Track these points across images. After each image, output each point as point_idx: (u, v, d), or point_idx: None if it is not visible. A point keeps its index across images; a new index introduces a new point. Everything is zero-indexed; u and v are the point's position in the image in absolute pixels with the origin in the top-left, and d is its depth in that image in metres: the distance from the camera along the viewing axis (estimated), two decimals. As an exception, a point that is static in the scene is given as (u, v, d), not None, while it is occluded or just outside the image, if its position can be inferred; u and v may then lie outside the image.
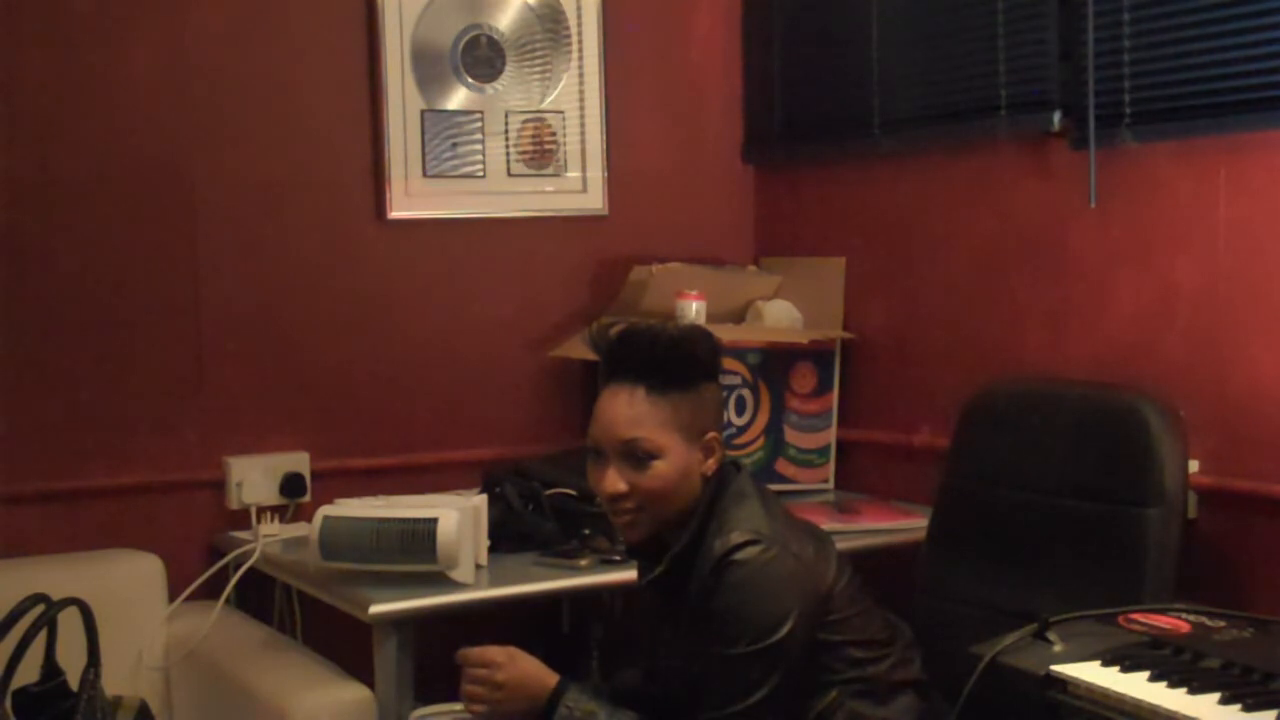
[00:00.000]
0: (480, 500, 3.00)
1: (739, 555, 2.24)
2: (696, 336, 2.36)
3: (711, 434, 2.33)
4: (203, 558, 3.34)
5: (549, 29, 3.75)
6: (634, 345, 2.32)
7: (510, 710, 2.32)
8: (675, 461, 2.29)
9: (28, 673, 2.61)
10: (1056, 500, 2.71)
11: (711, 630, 2.25)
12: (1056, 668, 2.00)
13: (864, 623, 2.35)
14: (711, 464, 2.33)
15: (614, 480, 2.29)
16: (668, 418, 2.28)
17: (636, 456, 2.28)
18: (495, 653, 2.33)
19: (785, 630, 2.22)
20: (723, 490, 2.34)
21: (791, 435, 3.61)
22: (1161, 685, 1.92)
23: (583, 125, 3.79)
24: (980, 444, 2.87)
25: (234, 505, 3.39)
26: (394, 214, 3.59)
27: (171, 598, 3.21)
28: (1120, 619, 2.19)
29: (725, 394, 3.50)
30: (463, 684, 2.35)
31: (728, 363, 3.49)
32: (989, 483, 2.81)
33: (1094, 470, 2.66)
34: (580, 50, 3.78)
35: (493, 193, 3.71)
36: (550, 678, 2.31)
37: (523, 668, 2.32)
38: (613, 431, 2.29)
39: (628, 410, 2.29)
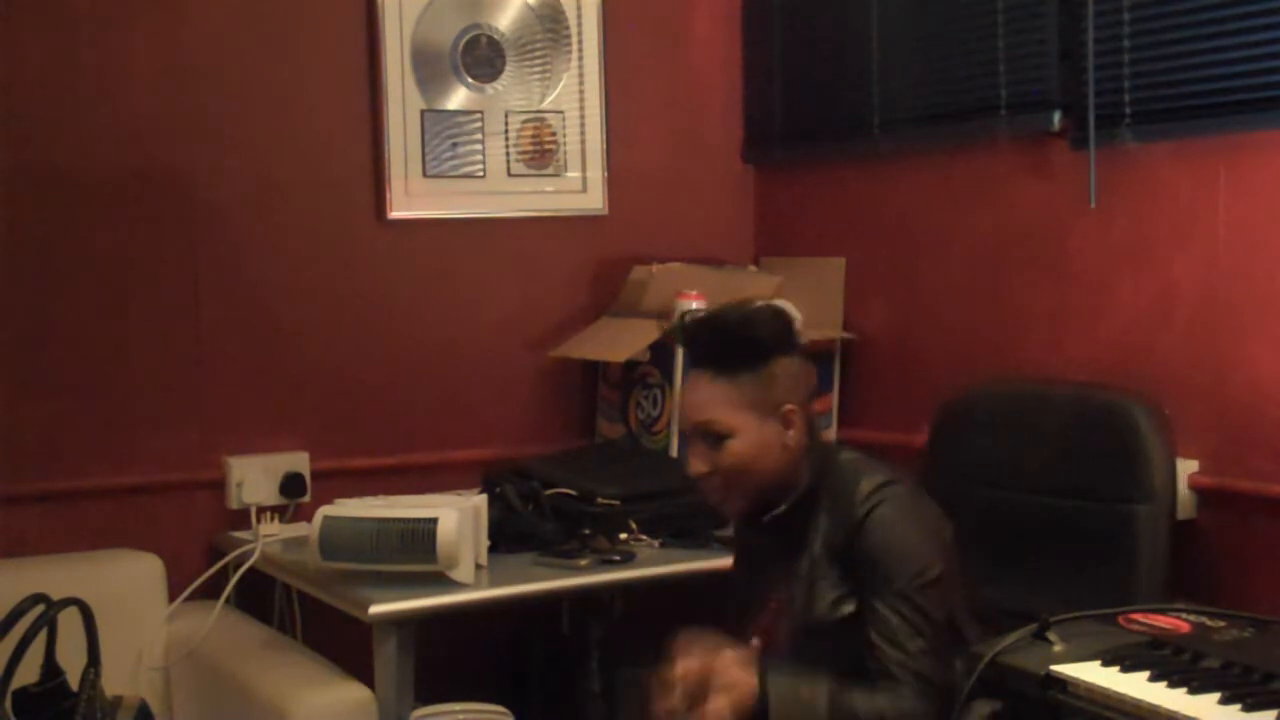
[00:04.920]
0: (480, 500, 3.00)
1: (888, 491, 2.31)
2: (759, 318, 2.43)
3: (788, 406, 2.39)
4: (203, 558, 3.34)
5: (549, 29, 3.75)
6: (699, 333, 2.47)
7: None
8: (749, 438, 2.37)
9: (28, 673, 2.61)
10: (1045, 499, 2.73)
11: (867, 573, 2.28)
12: (1056, 668, 2.00)
13: (966, 606, 2.35)
14: (794, 434, 2.39)
15: (696, 462, 2.42)
16: (735, 398, 2.37)
17: (711, 437, 2.39)
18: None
19: (941, 568, 2.27)
20: (833, 459, 2.41)
21: (791, 435, 3.60)
22: (1161, 685, 1.92)
23: (583, 125, 3.79)
24: (959, 446, 2.90)
25: (234, 505, 3.39)
26: (394, 214, 3.59)
27: (171, 598, 3.21)
28: (1120, 619, 2.19)
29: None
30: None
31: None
32: (976, 483, 2.82)
33: (1082, 469, 2.67)
34: (580, 50, 3.78)
35: (493, 193, 3.71)
36: (750, 678, 2.25)
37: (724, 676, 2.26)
38: (687, 416, 2.43)
39: (697, 395, 2.42)
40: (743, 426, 2.37)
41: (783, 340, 2.42)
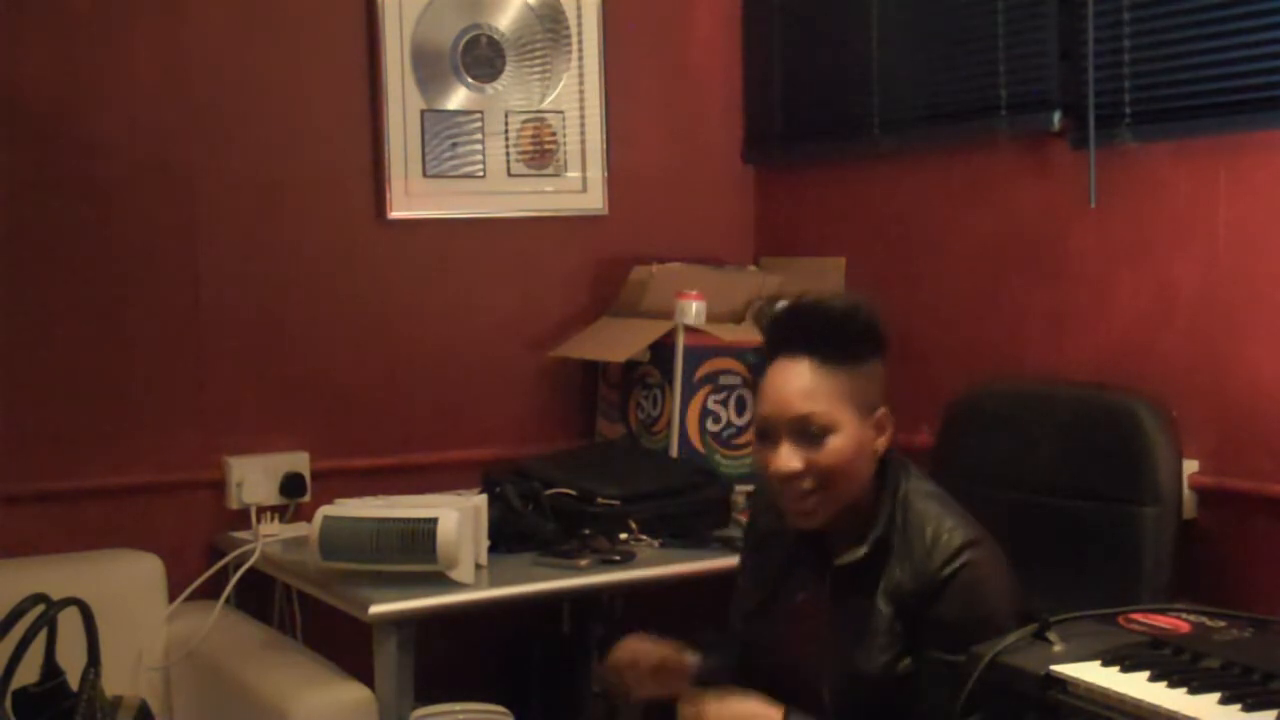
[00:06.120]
0: (480, 500, 3.00)
1: (974, 554, 2.16)
2: (866, 309, 2.24)
3: (882, 410, 2.22)
4: (203, 558, 3.34)
5: (549, 29, 3.75)
6: (803, 318, 2.22)
7: None
8: (850, 437, 2.18)
9: (28, 673, 2.61)
10: (1050, 500, 2.72)
11: (937, 634, 2.15)
12: (1056, 668, 2.00)
13: None
14: (883, 442, 2.22)
15: (787, 458, 2.17)
16: (840, 391, 2.17)
17: (810, 433, 2.16)
18: (706, 701, 2.19)
19: None
20: (905, 496, 2.23)
21: (791, 435, 3.60)
22: (1161, 685, 1.92)
23: (583, 125, 3.79)
24: (964, 446, 2.89)
25: (234, 505, 3.39)
26: (394, 214, 3.59)
27: (171, 598, 3.21)
28: (1120, 619, 2.19)
29: (725, 394, 3.50)
30: None
31: (727, 363, 3.49)
32: (981, 484, 2.81)
33: (1088, 470, 2.67)
34: (580, 50, 3.78)
35: (493, 193, 3.71)
36: (773, 711, 2.16)
37: (736, 710, 2.18)
38: (785, 407, 2.18)
39: (799, 384, 2.18)
40: (846, 423, 2.17)
41: (884, 339, 2.24)
